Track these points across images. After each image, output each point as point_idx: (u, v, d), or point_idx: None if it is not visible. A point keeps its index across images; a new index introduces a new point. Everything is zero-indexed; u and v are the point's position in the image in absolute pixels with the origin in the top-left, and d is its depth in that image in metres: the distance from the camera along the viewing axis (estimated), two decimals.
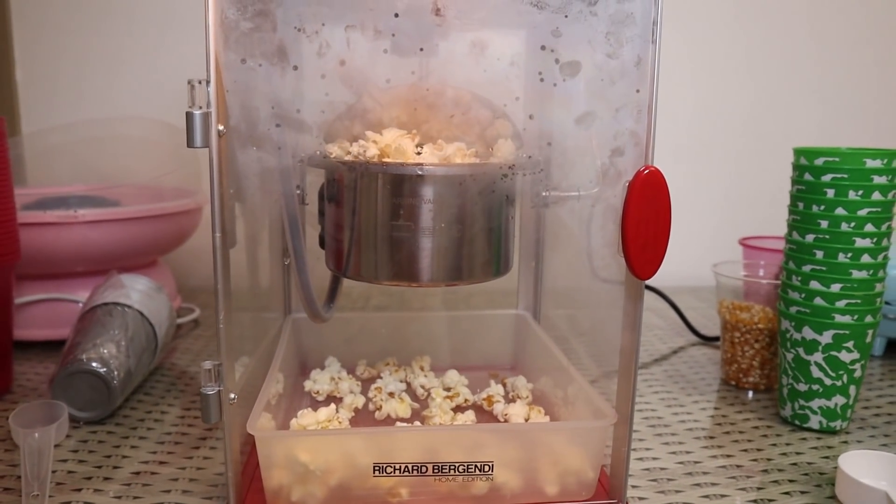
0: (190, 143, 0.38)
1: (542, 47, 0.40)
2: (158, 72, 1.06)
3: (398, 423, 0.56)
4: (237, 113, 0.38)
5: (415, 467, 0.43)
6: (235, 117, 0.38)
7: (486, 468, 0.44)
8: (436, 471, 0.43)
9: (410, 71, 0.40)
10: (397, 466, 0.43)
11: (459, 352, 0.67)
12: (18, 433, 0.55)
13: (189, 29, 1.05)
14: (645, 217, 0.40)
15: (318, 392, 0.62)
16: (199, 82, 0.38)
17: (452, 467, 0.43)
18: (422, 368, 0.66)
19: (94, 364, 0.61)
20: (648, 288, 0.86)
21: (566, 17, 0.39)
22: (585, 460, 0.46)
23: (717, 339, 0.86)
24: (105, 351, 0.63)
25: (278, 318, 0.68)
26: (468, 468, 0.44)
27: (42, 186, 0.94)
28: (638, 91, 0.40)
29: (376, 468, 0.43)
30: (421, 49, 0.39)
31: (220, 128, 0.39)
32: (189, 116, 0.38)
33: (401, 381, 0.63)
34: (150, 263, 0.92)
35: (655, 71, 0.40)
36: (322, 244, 0.52)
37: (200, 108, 0.38)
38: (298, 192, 0.43)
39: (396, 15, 0.38)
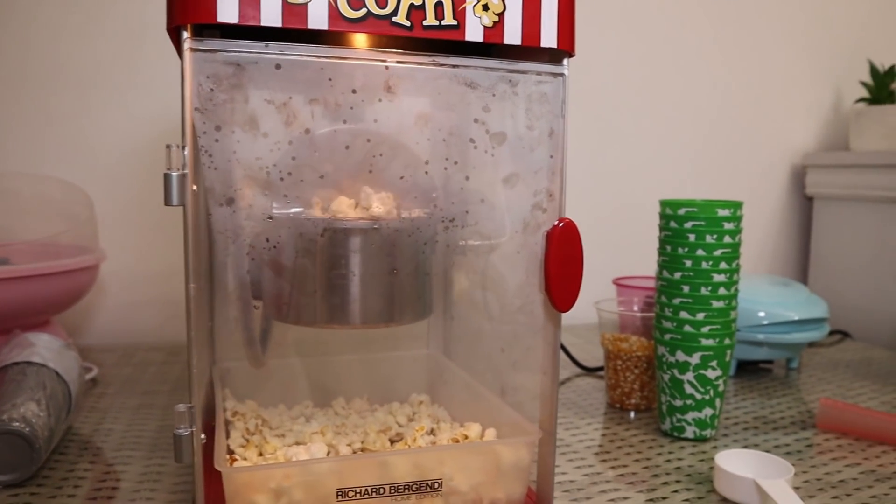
0: (167, 201, 0.42)
1: (475, 120, 0.47)
2: (47, 130, 1.05)
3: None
4: (212, 175, 0.43)
5: (374, 489, 0.48)
6: (211, 178, 0.43)
7: (436, 485, 0.49)
8: (392, 491, 0.48)
9: (366, 139, 0.46)
10: (358, 490, 0.47)
11: (378, 391, 0.72)
12: None
13: (76, 87, 1.05)
14: (562, 260, 0.48)
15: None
16: (176, 146, 0.42)
17: (407, 486, 0.49)
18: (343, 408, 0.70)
19: (15, 424, 0.60)
20: None
21: (494, 95, 0.47)
22: (520, 474, 0.53)
23: (598, 369, 0.96)
24: (25, 410, 0.62)
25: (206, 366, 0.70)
26: (420, 486, 0.49)
27: None
28: (552, 156, 0.49)
29: (339, 493, 0.47)
30: (375, 120, 0.46)
31: (194, 187, 0.43)
32: (167, 177, 0.42)
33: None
34: (43, 323, 0.89)
35: (565, 140, 0.49)
36: (256, 295, 0.56)
37: (177, 170, 0.42)
38: (274, 245, 0.47)
39: (354, 91, 0.45)
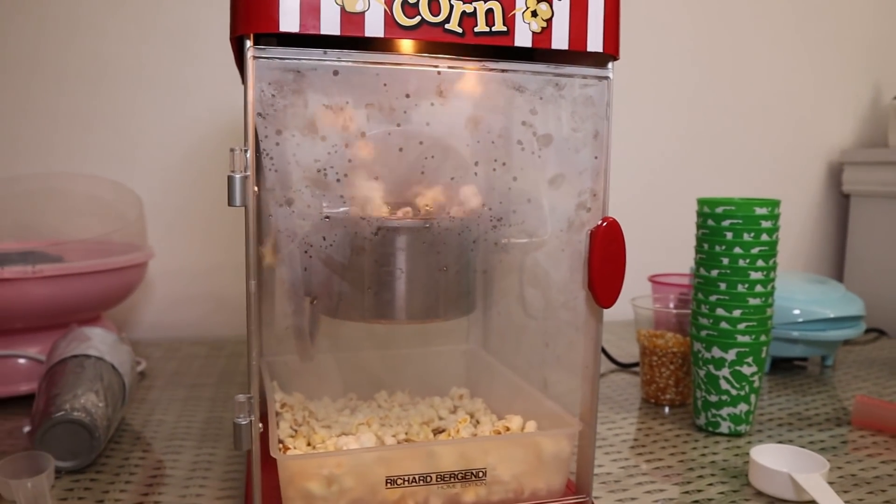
0: (231, 202, 0.44)
1: (523, 123, 0.49)
2: (97, 130, 1.08)
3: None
4: (273, 176, 0.45)
5: (421, 477, 0.50)
6: (272, 180, 0.45)
7: (481, 474, 0.51)
8: (438, 479, 0.50)
9: (418, 142, 0.48)
10: (406, 478, 0.49)
11: (420, 385, 0.74)
12: (9, 485, 0.56)
13: (122, 86, 1.08)
14: (605, 258, 0.50)
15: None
16: (240, 150, 0.45)
17: (452, 475, 0.51)
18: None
19: (77, 413, 0.63)
20: None
21: (541, 98, 0.49)
22: (560, 464, 0.54)
23: (633, 365, 0.97)
24: (86, 400, 0.65)
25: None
26: (465, 475, 0.51)
27: None
28: (596, 157, 0.50)
29: (388, 481, 0.49)
30: (427, 124, 0.48)
31: (255, 189, 0.45)
32: (230, 179, 0.44)
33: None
34: (94, 318, 0.93)
35: (609, 141, 0.50)
36: (309, 292, 0.58)
37: (240, 172, 0.45)
38: (330, 244, 0.49)
39: (408, 95, 0.47)
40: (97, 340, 0.74)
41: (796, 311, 0.93)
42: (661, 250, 1.26)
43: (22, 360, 0.82)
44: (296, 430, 0.63)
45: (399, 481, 0.50)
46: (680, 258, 1.17)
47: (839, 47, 1.39)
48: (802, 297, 0.95)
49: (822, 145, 1.40)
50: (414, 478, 0.50)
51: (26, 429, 0.68)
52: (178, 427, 0.75)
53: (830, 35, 1.38)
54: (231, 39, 0.45)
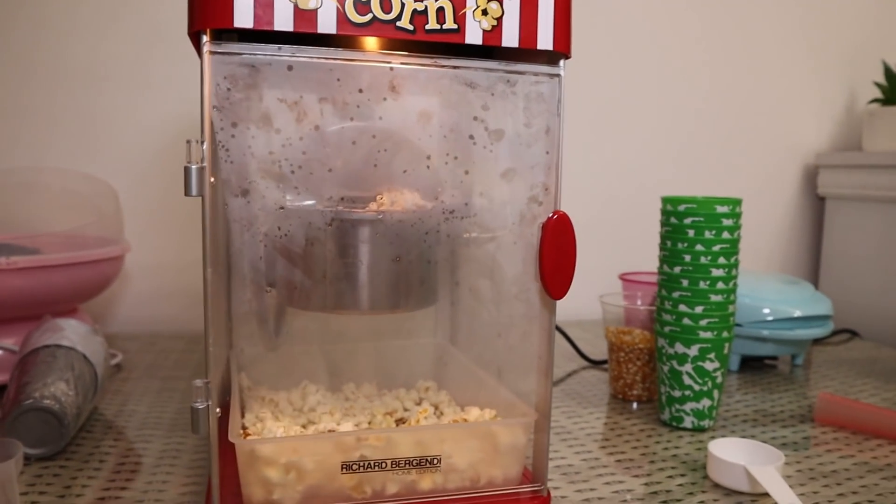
0: (187, 192, 0.46)
1: (475, 118, 0.51)
2: (67, 125, 1.09)
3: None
4: (228, 168, 0.46)
5: (377, 463, 0.51)
6: (227, 171, 0.46)
7: (436, 461, 0.52)
8: (394, 465, 0.51)
9: (371, 135, 0.49)
10: (362, 463, 0.51)
11: (387, 377, 0.75)
12: None
13: (102, 86, 1.09)
14: (556, 250, 0.51)
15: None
16: (196, 141, 0.46)
17: (408, 461, 0.52)
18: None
19: (46, 401, 0.65)
20: None
21: (493, 94, 0.50)
22: (516, 453, 0.56)
23: (603, 362, 0.99)
24: (56, 389, 0.66)
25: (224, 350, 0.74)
26: (420, 462, 0.52)
27: None
28: (548, 153, 0.52)
29: (344, 466, 0.51)
30: (380, 118, 0.49)
31: (212, 180, 0.46)
32: (187, 170, 0.46)
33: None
34: (71, 311, 0.94)
35: (560, 137, 0.52)
36: (269, 281, 0.59)
37: (196, 163, 0.46)
38: (285, 234, 0.51)
39: (361, 90, 0.48)
40: (70, 331, 0.75)
41: (766, 310, 0.95)
42: (636, 249, 1.28)
43: None
44: (260, 419, 0.64)
45: (355, 467, 0.51)
46: (654, 257, 1.19)
47: (815, 51, 1.41)
48: (772, 296, 0.96)
49: (798, 148, 1.42)
50: (370, 463, 0.51)
51: None
52: (150, 417, 0.76)
53: (807, 39, 1.40)
54: (189, 34, 0.47)
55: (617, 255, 1.28)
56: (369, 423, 0.63)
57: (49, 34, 1.08)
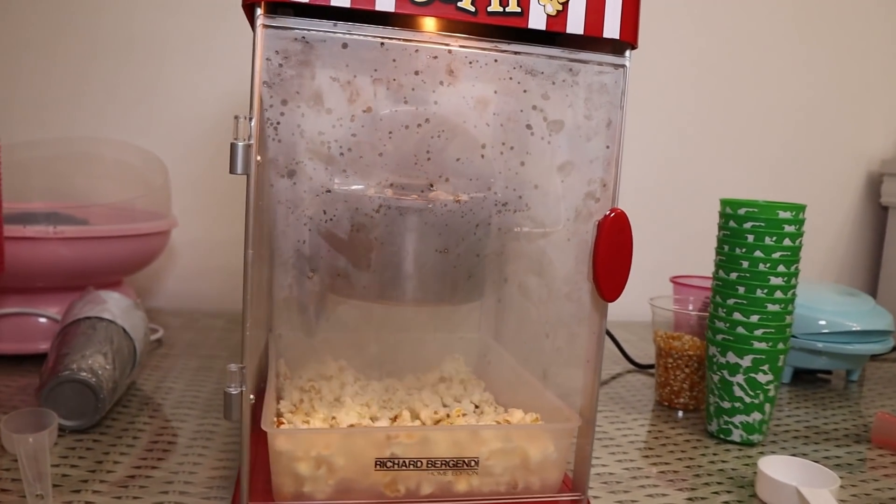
0: (232, 170, 0.44)
1: (534, 107, 0.48)
2: (124, 97, 1.10)
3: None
4: (276, 146, 0.45)
5: (412, 462, 0.49)
6: (274, 150, 0.45)
7: (473, 464, 0.50)
8: (430, 465, 0.50)
9: (425, 119, 0.47)
10: (396, 461, 0.49)
11: (428, 370, 0.73)
12: (11, 438, 0.57)
13: (157, 60, 1.09)
14: (612, 250, 0.48)
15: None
16: (244, 118, 0.44)
17: (444, 462, 0.50)
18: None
19: (83, 374, 0.64)
20: None
21: (553, 83, 0.48)
22: (557, 459, 0.53)
23: (649, 366, 0.95)
24: (93, 362, 0.66)
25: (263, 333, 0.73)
26: (457, 463, 0.50)
27: (15, 202, 0.95)
28: (608, 147, 0.49)
29: (378, 463, 0.49)
30: (435, 102, 0.47)
31: (258, 158, 0.45)
32: (233, 147, 0.44)
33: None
34: (115, 283, 0.94)
35: (622, 131, 0.49)
36: (311, 266, 0.58)
37: (243, 140, 0.44)
38: (330, 218, 0.49)
39: (417, 73, 0.46)
40: (112, 304, 0.75)
41: (822, 322, 0.90)
42: (689, 252, 1.24)
43: (42, 320, 0.84)
44: (296, 407, 0.63)
45: (389, 464, 0.49)
46: (707, 260, 1.15)
47: (882, 56, 1.34)
48: (829, 307, 0.92)
49: (863, 154, 1.36)
50: (404, 462, 0.49)
51: None
52: (187, 395, 0.76)
53: (874, 43, 1.33)
54: (243, 6, 0.45)
55: (668, 257, 1.24)
56: (406, 416, 0.61)
57: (114, 7, 1.08)
